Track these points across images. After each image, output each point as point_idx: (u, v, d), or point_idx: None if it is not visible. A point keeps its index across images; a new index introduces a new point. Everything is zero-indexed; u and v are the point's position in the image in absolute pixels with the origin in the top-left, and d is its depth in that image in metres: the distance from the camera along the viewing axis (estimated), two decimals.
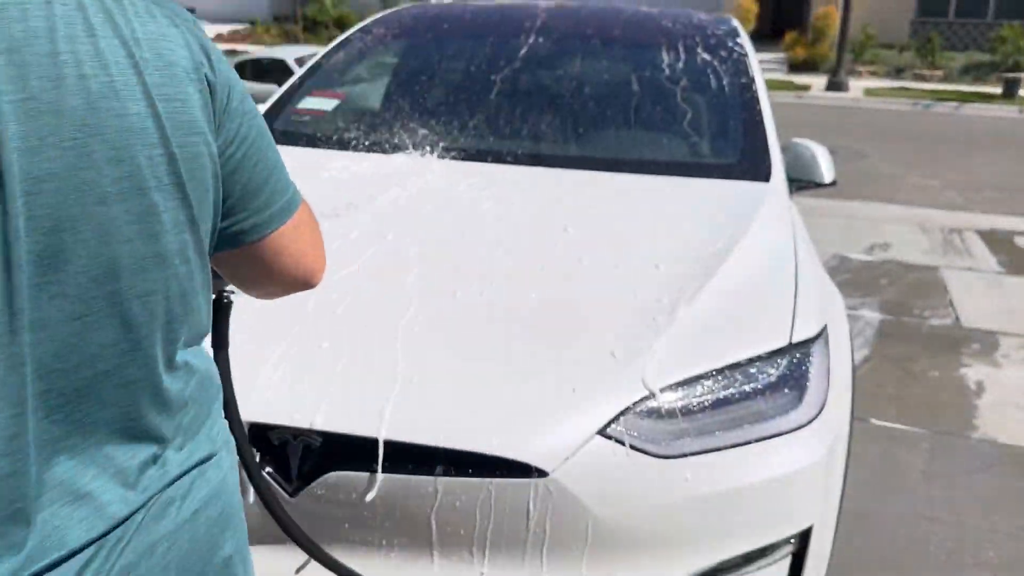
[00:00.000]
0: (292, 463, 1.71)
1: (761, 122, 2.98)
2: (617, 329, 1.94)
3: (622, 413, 1.75)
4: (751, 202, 2.57)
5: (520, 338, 1.90)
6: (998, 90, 18.91)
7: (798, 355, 1.97)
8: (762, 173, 2.78)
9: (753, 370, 1.91)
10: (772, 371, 1.92)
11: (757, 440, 1.84)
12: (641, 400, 1.78)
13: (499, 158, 2.81)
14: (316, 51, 12.87)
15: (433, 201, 2.52)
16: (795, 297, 2.12)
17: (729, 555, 1.82)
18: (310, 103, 3.21)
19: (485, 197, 2.52)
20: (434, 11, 3.71)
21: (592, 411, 1.74)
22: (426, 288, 2.06)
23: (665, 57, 3.26)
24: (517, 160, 2.81)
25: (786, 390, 1.92)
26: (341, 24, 22.71)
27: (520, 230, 2.36)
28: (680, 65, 3.22)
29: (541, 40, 3.35)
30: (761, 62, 3.33)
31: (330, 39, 22.81)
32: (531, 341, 1.89)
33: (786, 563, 1.93)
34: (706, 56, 3.27)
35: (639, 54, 3.37)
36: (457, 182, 2.65)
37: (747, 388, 1.89)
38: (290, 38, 22.59)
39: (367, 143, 2.93)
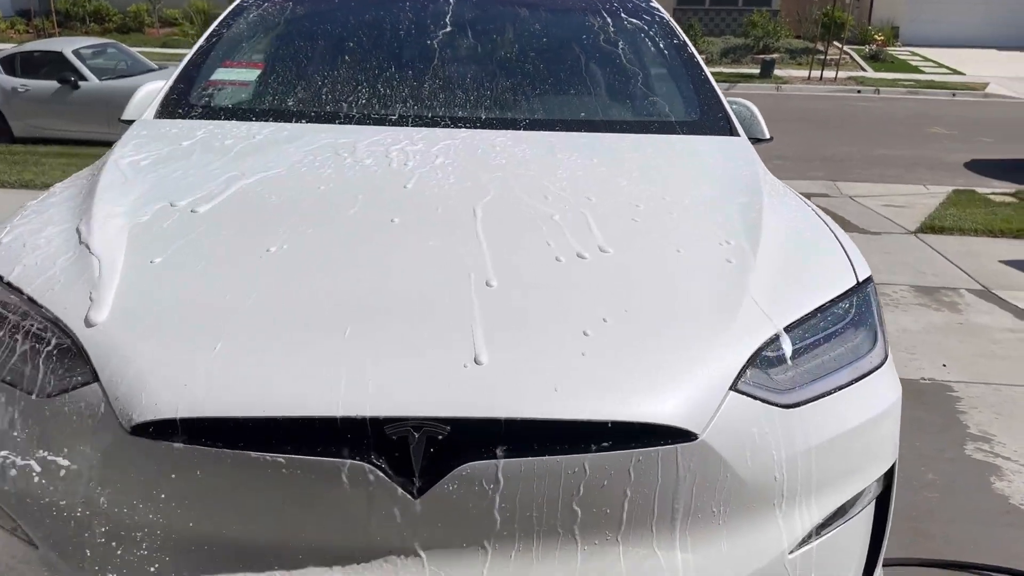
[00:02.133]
0: (415, 460, 1.47)
1: (709, 81, 2.97)
2: (703, 280, 1.84)
3: (747, 366, 1.65)
4: (742, 155, 2.55)
5: (616, 294, 1.75)
6: (756, 71, 20.56)
7: (863, 296, 1.95)
8: (728, 128, 2.78)
9: (836, 312, 1.87)
10: (849, 313, 1.90)
11: (853, 382, 1.81)
12: (759, 352, 1.69)
13: (472, 123, 2.62)
14: (102, 42, 11.76)
15: (451, 165, 2.30)
16: (839, 240, 2.12)
17: (842, 500, 1.78)
18: (225, 74, 2.85)
19: (494, 158, 2.33)
20: None
21: (721, 366, 1.63)
22: (493, 253, 1.86)
23: (597, 22, 3.19)
24: (492, 124, 2.63)
25: (862, 331, 1.90)
26: (99, 18, 20.94)
27: (553, 191, 2.19)
28: (615, 30, 3.16)
29: (463, 4, 3.17)
30: None
31: (87, 32, 20.97)
32: (626, 297, 1.75)
33: (872, 507, 1.92)
34: (635, 21, 3.23)
35: (571, 19, 3.26)
36: (455, 145, 2.44)
37: (834, 331, 1.85)
38: (41, 34, 20.49)
39: (325, 112, 2.65)
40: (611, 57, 3.00)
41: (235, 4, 3.24)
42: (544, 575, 1.53)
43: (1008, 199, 8.42)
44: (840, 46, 21.10)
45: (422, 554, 1.51)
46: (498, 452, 1.47)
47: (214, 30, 3.08)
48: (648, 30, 3.20)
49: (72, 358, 1.63)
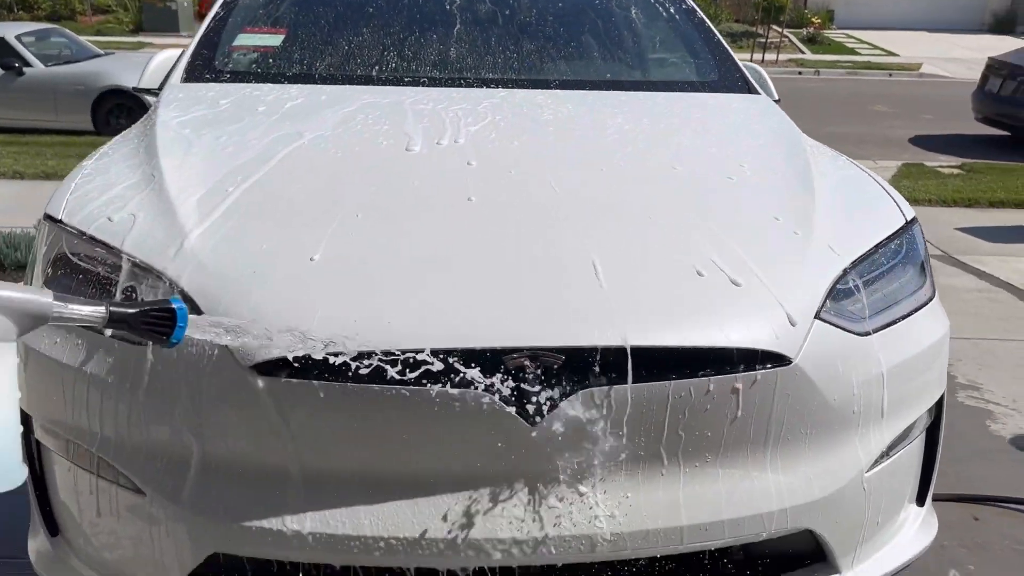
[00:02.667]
0: (532, 389, 1.52)
1: (723, 44, 3.07)
2: (775, 221, 1.93)
3: (826, 297, 1.74)
4: (771, 110, 2.66)
5: (705, 233, 1.83)
6: None
7: (911, 234, 2.06)
8: (747, 87, 2.87)
9: (891, 249, 1.98)
10: (901, 250, 2.00)
11: (911, 313, 1.92)
12: (834, 285, 1.78)
13: (508, 84, 2.67)
14: (46, 27, 11.42)
15: (504, 122, 2.36)
16: (880, 185, 2.22)
17: (906, 424, 1.88)
18: (250, 40, 2.85)
19: (541, 115, 2.39)
20: None
21: (805, 297, 1.72)
22: (565, 191, 1.94)
23: None
24: (527, 84, 2.68)
25: (914, 267, 2.01)
26: (27, 5, 20.25)
27: (603, 147, 2.26)
28: None
29: None
30: None
31: (49, 18, 20.26)
32: (716, 235, 1.82)
33: (922, 437, 2.03)
34: None
35: None
36: (480, 103, 2.48)
37: (890, 267, 1.95)
38: None
39: (359, 75, 2.67)
40: (630, 21, 3.09)
41: None
42: (649, 497, 1.60)
43: (955, 171, 8.77)
44: (780, 30, 21.53)
45: (538, 478, 1.56)
46: (609, 379, 1.53)
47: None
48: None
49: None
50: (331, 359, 1.49)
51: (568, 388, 1.53)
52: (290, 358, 1.51)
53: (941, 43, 22.68)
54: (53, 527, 1.86)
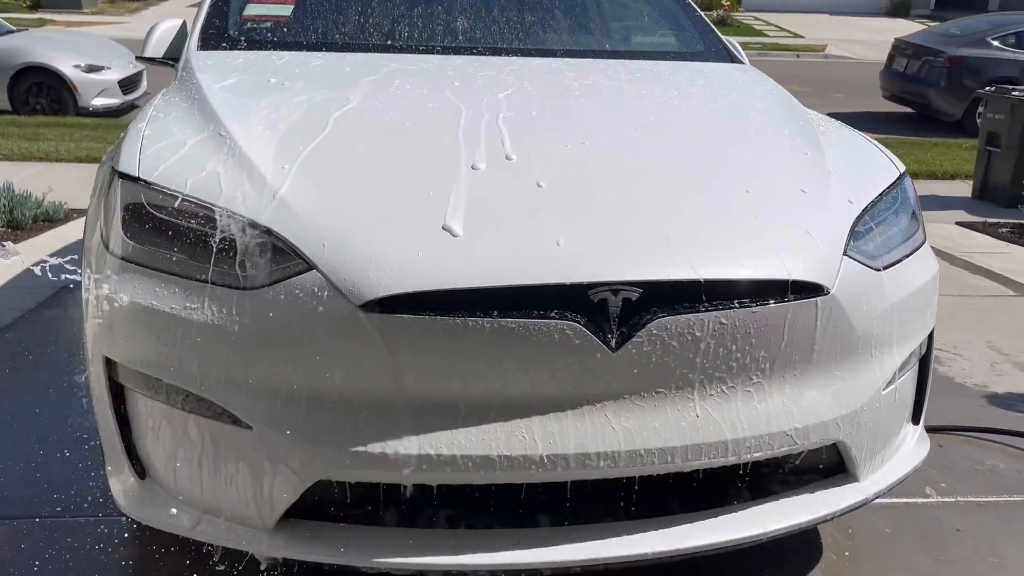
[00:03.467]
0: (612, 318, 1.71)
1: (705, 19, 3.30)
2: (797, 172, 2.16)
3: (849, 237, 1.98)
4: (760, 77, 2.89)
5: (744, 182, 2.05)
6: None
7: (904, 185, 2.32)
8: (731, 56, 3.11)
9: (892, 197, 2.23)
10: (898, 198, 2.26)
11: (912, 252, 2.18)
12: (855, 224, 2.02)
13: (519, 52, 2.84)
14: None
15: (530, 85, 2.53)
16: (870, 142, 2.48)
17: (910, 350, 2.14)
18: (260, 10, 2.93)
19: (563, 80, 2.57)
20: None
21: (833, 237, 1.96)
22: (612, 145, 2.16)
23: None
24: (536, 54, 2.85)
25: (909, 213, 2.27)
26: None
27: (630, 108, 2.46)
28: None
29: None
30: None
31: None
32: (751, 184, 2.05)
33: (917, 365, 2.30)
34: None
35: None
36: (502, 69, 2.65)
37: (892, 211, 2.20)
38: None
39: (380, 43, 2.80)
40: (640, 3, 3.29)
41: None
42: (714, 414, 1.81)
43: None
44: None
45: (619, 399, 1.76)
46: (681, 308, 1.73)
47: None
48: None
49: (274, 252, 1.76)
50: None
51: (646, 317, 1.72)
52: (403, 293, 1.65)
53: (843, 25, 23.62)
54: (139, 469, 1.95)
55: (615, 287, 1.71)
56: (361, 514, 1.85)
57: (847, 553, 2.42)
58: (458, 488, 1.81)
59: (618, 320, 1.71)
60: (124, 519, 2.23)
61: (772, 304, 1.80)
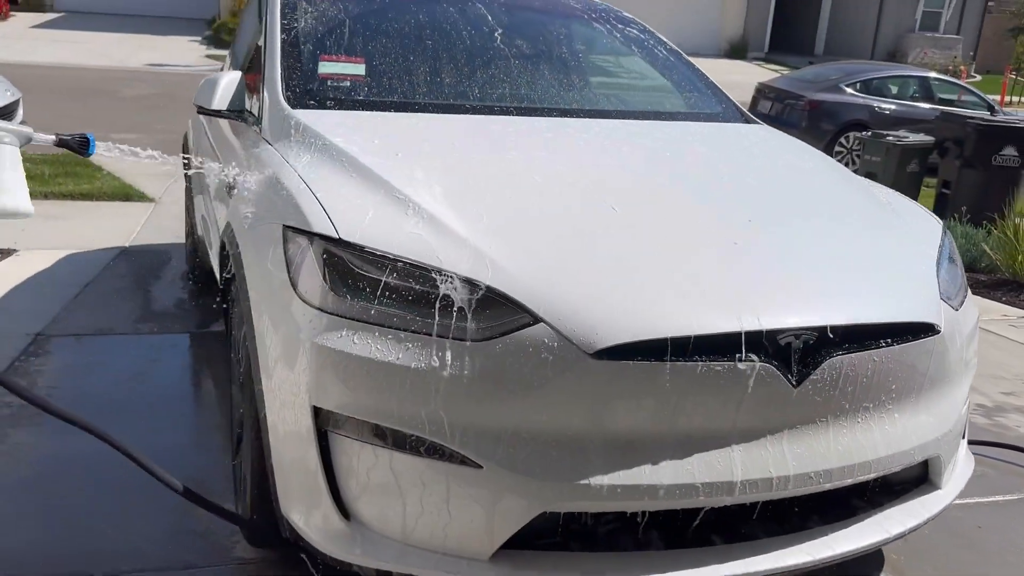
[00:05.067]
0: (794, 359, 2.00)
1: (713, 81, 3.69)
2: (876, 224, 2.55)
3: (938, 281, 2.38)
4: (786, 136, 3.31)
5: (840, 233, 2.42)
6: None
7: (948, 237, 2.74)
8: (744, 117, 3.50)
9: (944, 247, 2.65)
10: (945, 249, 2.68)
11: (968, 293, 2.61)
12: (937, 269, 2.42)
13: (578, 114, 3.11)
14: None
15: (626, 148, 2.83)
16: (905, 197, 2.92)
17: (971, 377, 2.55)
18: (335, 68, 3.06)
19: (637, 140, 2.87)
20: None
21: (931, 281, 2.34)
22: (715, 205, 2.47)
23: (603, 29, 3.77)
24: (598, 115, 3.14)
25: (954, 262, 2.69)
26: None
27: (703, 168, 2.78)
28: (621, 36, 3.76)
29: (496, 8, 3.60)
30: None
31: None
32: (848, 234, 2.42)
33: None
34: (630, 30, 3.85)
35: (577, 28, 3.81)
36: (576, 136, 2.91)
37: (948, 260, 2.61)
38: None
39: (469, 104, 3.00)
40: (653, 61, 3.61)
41: (281, 1, 3.38)
42: (859, 438, 2.13)
43: None
44: None
45: (794, 429, 2.05)
46: (846, 348, 2.06)
47: (283, 24, 3.21)
48: (640, 35, 3.84)
49: (497, 307, 1.95)
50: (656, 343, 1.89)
51: (820, 357, 2.03)
52: (624, 343, 1.89)
53: None
54: (343, 511, 2.07)
55: (798, 332, 2.01)
56: (568, 540, 2.05)
57: (902, 556, 2.80)
58: (655, 513, 2.05)
59: (799, 360, 2.01)
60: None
61: (910, 342, 2.15)
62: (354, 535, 2.06)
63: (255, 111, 3.02)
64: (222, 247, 2.75)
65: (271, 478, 2.21)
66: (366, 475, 2.03)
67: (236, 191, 2.72)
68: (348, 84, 3.03)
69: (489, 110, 3.01)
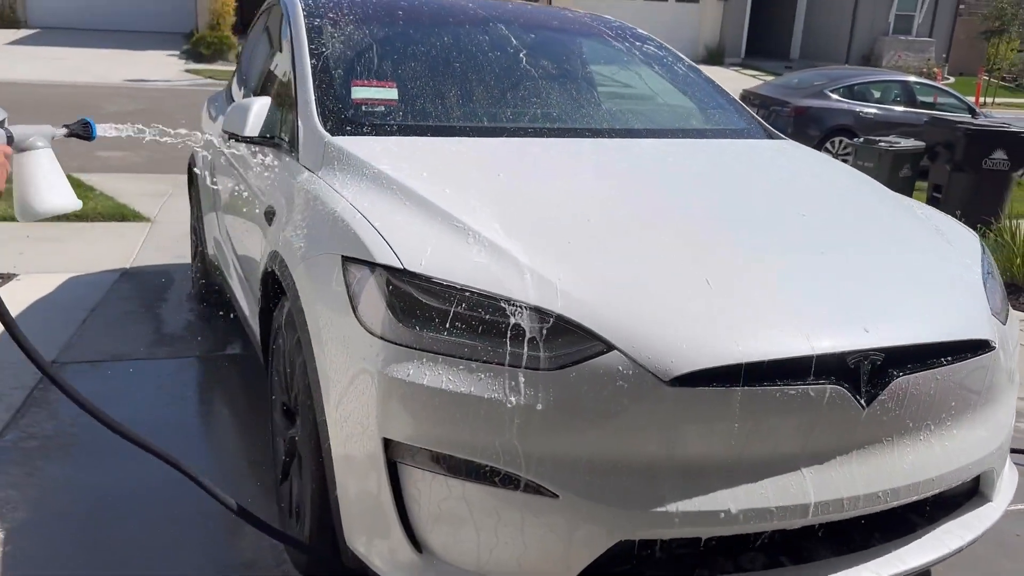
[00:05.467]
0: (862, 380, 2.02)
1: (729, 94, 3.71)
2: (924, 241, 2.57)
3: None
4: (812, 151, 3.34)
5: (893, 252, 2.45)
6: None
7: (986, 250, 2.77)
8: (769, 131, 3.53)
9: (985, 263, 2.68)
10: (986, 261, 2.71)
11: (1008, 305, 2.64)
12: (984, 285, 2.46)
13: (610, 134, 3.13)
14: None
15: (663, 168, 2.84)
16: (939, 212, 2.95)
17: (1018, 388, 2.59)
18: (368, 93, 3.05)
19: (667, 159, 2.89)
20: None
21: (982, 297, 2.37)
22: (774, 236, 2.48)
23: (623, 47, 3.79)
24: (632, 135, 3.15)
25: (996, 274, 2.72)
26: None
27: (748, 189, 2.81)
28: (641, 54, 3.78)
29: (516, 30, 3.61)
30: None
31: None
32: (901, 254, 2.45)
33: None
34: (648, 46, 3.87)
35: (597, 47, 3.83)
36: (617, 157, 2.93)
37: (988, 276, 2.64)
38: None
39: (509, 127, 3.00)
40: (674, 78, 3.64)
41: (306, 24, 3.36)
42: (922, 455, 2.15)
43: None
44: None
45: (863, 449, 2.07)
46: (911, 368, 2.08)
47: (311, 49, 3.19)
48: (658, 52, 3.86)
49: (570, 336, 1.95)
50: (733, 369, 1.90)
51: (887, 377, 2.05)
52: (700, 369, 1.89)
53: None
54: (414, 542, 2.06)
55: (866, 354, 2.02)
56: (641, 567, 2.05)
57: (941, 566, 2.82)
58: (727, 538, 2.05)
59: (867, 382, 2.03)
60: None
61: (968, 359, 2.18)
62: (426, 566, 2.05)
63: (286, 136, 3.00)
64: (265, 276, 2.73)
65: (334, 509, 2.20)
66: (438, 506, 2.02)
67: (279, 219, 2.70)
68: (382, 109, 3.01)
69: (525, 132, 3.01)
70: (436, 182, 2.45)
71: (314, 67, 3.10)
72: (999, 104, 22.66)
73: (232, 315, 4.15)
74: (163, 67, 19.41)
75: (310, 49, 3.18)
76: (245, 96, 4.10)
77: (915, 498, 2.16)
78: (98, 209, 7.28)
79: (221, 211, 4.05)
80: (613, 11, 5.41)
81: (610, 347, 1.93)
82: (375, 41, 3.37)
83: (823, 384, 1.97)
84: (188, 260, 6.00)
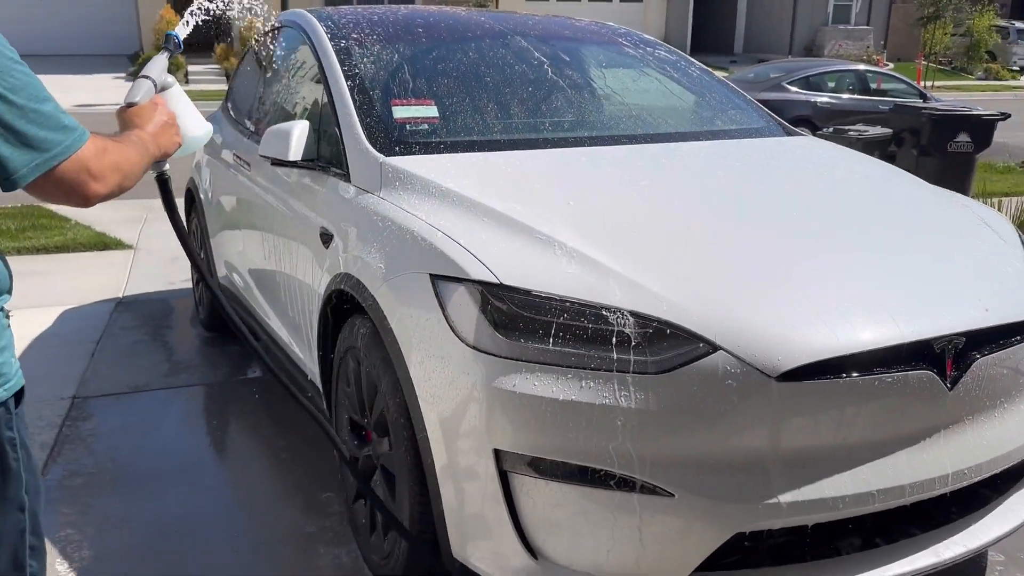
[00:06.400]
0: (948, 362, 2.12)
1: (743, 93, 3.81)
2: (969, 227, 2.69)
3: None
4: (837, 146, 3.44)
5: (945, 239, 2.56)
6: None
7: (1019, 232, 2.90)
8: (787, 128, 3.63)
9: (1021, 240, 2.81)
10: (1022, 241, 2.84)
11: None
12: None
13: (646, 139, 3.19)
14: None
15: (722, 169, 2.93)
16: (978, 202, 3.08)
17: None
18: (410, 112, 3.07)
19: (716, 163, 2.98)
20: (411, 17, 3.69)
21: None
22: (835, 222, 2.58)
23: (636, 54, 3.87)
24: (665, 139, 3.22)
25: None
26: None
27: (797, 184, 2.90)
28: (654, 59, 3.86)
29: (533, 42, 3.66)
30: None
31: None
32: (953, 240, 2.57)
33: None
34: (663, 53, 3.96)
35: (611, 55, 3.90)
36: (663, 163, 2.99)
37: None
38: None
39: (553, 138, 3.05)
40: (690, 80, 3.73)
41: (332, 45, 3.38)
42: (1000, 431, 2.26)
43: None
44: None
45: (950, 429, 2.16)
46: (989, 349, 2.18)
47: (345, 72, 3.20)
48: (671, 57, 3.95)
49: (674, 339, 2.01)
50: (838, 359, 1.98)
51: (969, 359, 2.14)
52: (807, 363, 1.97)
53: None
54: (530, 550, 2.10)
55: (950, 338, 2.12)
56: (746, 557, 2.12)
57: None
58: (825, 523, 2.13)
59: (954, 364, 2.12)
60: None
61: None
62: (543, 572, 2.09)
63: (330, 158, 3.01)
64: (330, 298, 2.74)
65: (438, 521, 2.23)
66: (552, 511, 2.06)
67: (338, 240, 2.72)
68: (426, 127, 3.03)
69: (567, 142, 3.06)
70: (504, 196, 2.49)
71: (351, 88, 3.10)
72: (939, 87, 23.30)
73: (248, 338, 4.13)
74: (111, 90, 19.07)
75: (344, 71, 3.19)
76: (255, 121, 4.08)
77: (996, 471, 2.26)
78: (79, 240, 7.15)
79: (243, 234, 4.03)
80: (558, 10, 5.51)
81: (715, 348, 1.99)
82: (404, 59, 3.39)
83: (914, 370, 2.06)
84: (181, 286, 5.94)
